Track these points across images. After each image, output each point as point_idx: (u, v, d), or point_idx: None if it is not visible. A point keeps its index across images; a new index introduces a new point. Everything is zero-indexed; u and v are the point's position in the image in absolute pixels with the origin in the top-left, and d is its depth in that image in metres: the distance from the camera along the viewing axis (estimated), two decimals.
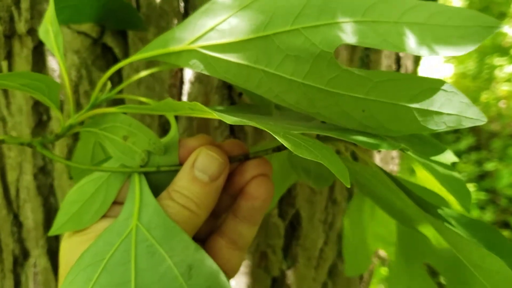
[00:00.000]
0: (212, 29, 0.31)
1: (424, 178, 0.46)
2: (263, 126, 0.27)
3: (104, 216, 0.35)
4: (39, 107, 0.58)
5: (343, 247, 0.48)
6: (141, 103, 0.39)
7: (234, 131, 0.56)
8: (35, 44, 0.55)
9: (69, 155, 0.56)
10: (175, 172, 0.35)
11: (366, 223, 0.47)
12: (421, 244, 0.38)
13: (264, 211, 0.37)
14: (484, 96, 3.06)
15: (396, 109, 0.29)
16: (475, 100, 2.99)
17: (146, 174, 0.35)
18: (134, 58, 0.35)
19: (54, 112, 0.38)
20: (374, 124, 0.30)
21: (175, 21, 0.51)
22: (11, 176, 0.65)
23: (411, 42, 0.26)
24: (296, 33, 0.28)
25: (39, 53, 0.56)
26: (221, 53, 0.31)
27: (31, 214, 0.64)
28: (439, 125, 0.28)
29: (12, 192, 0.66)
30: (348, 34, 0.27)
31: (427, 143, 0.34)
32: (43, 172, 0.61)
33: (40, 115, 0.58)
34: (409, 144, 0.32)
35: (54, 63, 0.55)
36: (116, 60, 0.52)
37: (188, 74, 0.52)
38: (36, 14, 0.54)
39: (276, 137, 0.26)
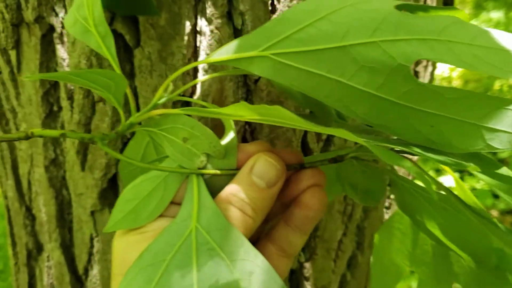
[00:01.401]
0: (287, 37, 0.31)
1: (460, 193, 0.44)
2: (360, 141, 0.27)
3: (160, 215, 0.35)
4: (49, 97, 0.56)
5: (372, 262, 0.46)
6: (201, 106, 0.39)
7: (246, 131, 0.54)
8: (43, 32, 0.53)
9: (79, 146, 0.55)
10: (231, 176, 0.36)
11: (399, 240, 0.45)
12: (456, 265, 0.38)
13: (316, 221, 0.38)
14: (498, 84, 3.00)
15: (465, 126, 0.30)
16: (488, 88, 2.94)
17: (203, 176, 0.35)
18: (202, 62, 0.36)
19: (119, 112, 0.38)
20: (441, 140, 0.30)
21: (188, 6, 0.49)
22: (22, 169, 0.64)
23: (484, 64, 0.28)
24: (374, 46, 0.29)
25: (47, 41, 0.54)
26: (294, 61, 0.31)
27: (43, 207, 0.63)
28: (504, 145, 0.29)
29: (24, 184, 0.65)
30: (426, 50, 0.28)
31: (483, 159, 0.34)
32: (54, 164, 0.60)
33: (50, 106, 0.56)
34: (466, 160, 0.31)
35: (63, 52, 0.53)
36: (127, 47, 0.50)
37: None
38: (44, 1, 0.52)
39: (373, 150, 0.27)
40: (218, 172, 0.36)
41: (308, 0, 0.31)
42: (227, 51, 0.34)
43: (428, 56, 0.28)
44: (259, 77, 0.52)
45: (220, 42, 0.50)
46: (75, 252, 0.63)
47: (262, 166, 0.35)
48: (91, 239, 0.60)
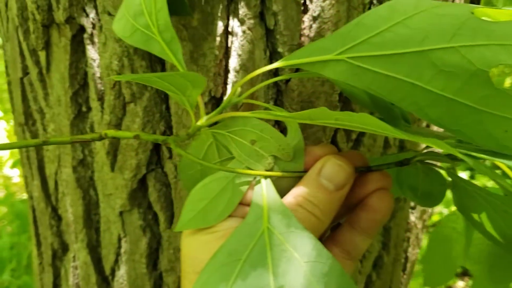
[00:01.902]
0: (363, 41, 0.32)
1: None
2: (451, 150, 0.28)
3: (229, 216, 0.36)
4: (78, 98, 0.56)
5: (424, 258, 0.46)
6: (265, 108, 0.40)
7: (279, 122, 0.54)
8: (74, 33, 0.53)
9: (110, 147, 0.55)
10: (298, 178, 0.36)
11: (453, 239, 0.45)
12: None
13: (382, 224, 0.38)
14: (508, 82, 2.99)
15: None
16: (499, 84, 2.92)
17: (270, 177, 0.36)
18: (275, 65, 0.36)
19: (190, 114, 0.39)
20: None
21: (220, 7, 0.49)
22: (49, 169, 0.64)
23: None
24: (453, 51, 0.29)
25: (77, 42, 0.54)
26: (371, 65, 0.32)
27: (70, 207, 0.63)
28: None
29: (51, 185, 0.65)
30: (505, 55, 0.28)
31: None
32: (82, 164, 0.60)
33: (79, 106, 0.56)
34: None
35: (93, 53, 0.53)
36: None
37: (233, 63, 0.50)
38: (74, 2, 0.52)
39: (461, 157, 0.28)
40: (286, 174, 0.36)
41: (383, 6, 0.31)
42: (301, 55, 0.34)
43: (508, 61, 0.28)
44: (290, 78, 0.52)
45: (252, 43, 0.50)
46: (102, 252, 0.64)
47: (331, 169, 0.35)
48: (119, 239, 0.60)
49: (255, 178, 0.36)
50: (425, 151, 0.42)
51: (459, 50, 0.29)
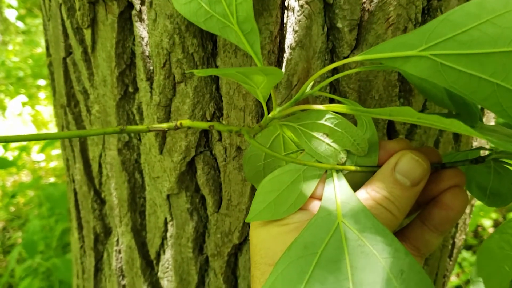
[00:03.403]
0: (449, 39, 0.31)
1: None
2: None
3: (299, 209, 0.35)
4: (124, 78, 0.54)
5: (478, 265, 0.44)
6: (338, 102, 0.40)
7: (334, 101, 0.52)
8: (121, 9, 0.51)
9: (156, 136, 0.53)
10: (370, 172, 0.36)
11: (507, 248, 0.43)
12: None
13: (456, 221, 0.37)
14: None
15: None
16: None
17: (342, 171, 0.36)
18: (355, 58, 0.35)
19: (263, 106, 0.38)
20: None
21: None
22: (92, 152, 0.63)
23: None
24: None
25: (125, 19, 0.52)
26: (455, 63, 0.31)
27: (114, 191, 0.62)
28: None
29: (94, 168, 0.64)
30: None
31: None
32: (128, 147, 0.59)
33: (126, 87, 0.55)
34: None
35: (142, 30, 0.51)
36: None
37: (289, 40, 0.48)
38: None
39: None
40: (360, 169, 0.36)
41: (471, 3, 0.30)
42: (382, 49, 0.34)
43: None
44: (348, 55, 0.49)
45: (309, 18, 0.47)
46: (146, 236, 0.62)
47: (407, 164, 0.34)
48: (165, 223, 0.59)
49: (326, 171, 0.36)
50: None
51: None
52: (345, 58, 0.49)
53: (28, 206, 2.38)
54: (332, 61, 0.50)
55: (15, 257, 1.90)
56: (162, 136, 0.53)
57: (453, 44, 0.31)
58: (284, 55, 0.49)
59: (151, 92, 0.52)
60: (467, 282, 1.84)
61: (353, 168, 0.35)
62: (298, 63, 0.49)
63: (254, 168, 0.42)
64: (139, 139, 0.57)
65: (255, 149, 0.43)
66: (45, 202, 1.85)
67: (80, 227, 0.71)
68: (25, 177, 2.58)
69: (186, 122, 0.34)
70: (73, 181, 0.68)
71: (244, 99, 0.50)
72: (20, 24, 4.23)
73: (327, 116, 0.36)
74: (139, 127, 0.31)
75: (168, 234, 0.60)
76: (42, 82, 3.45)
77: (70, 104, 0.63)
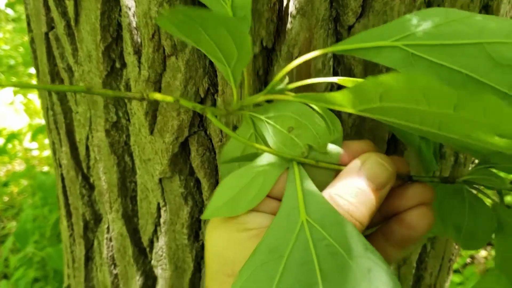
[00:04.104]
0: (421, 31, 0.31)
1: None
2: None
3: (261, 212, 0.34)
4: (110, 53, 0.50)
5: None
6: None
7: (338, 73, 0.48)
8: None
9: (148, 107, 0.49)
10: (332, 173, 0.35)
11: None
12: None
13: (418, 241, 0.35)
14: None
15: None
16: None
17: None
18: (328, 50, 0.35)
19: (233, 90, 0.37)
20: None
21: None
22: (79, 134, 0.59)
23: None
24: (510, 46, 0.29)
25: None
26: (427, 54, 0.31)
27: (103, 175, 0.58)
28: None
29: (81, 151, 0.60)
30: None
31: None
32: (116, 127, 0.55)
33: (112, 62, 0.51)
34: None
35: (129, 0, 0.47)
36: None
37: (290, 7, 0.44)
38: None
39: None
40: (321, 164, 0.34)
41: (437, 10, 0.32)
42: (355, 39, 0.34)
43: None
44: (354, 23, 0.45)
45: None
46: (138, 223, 0.59)
47: (372, 167, 0.32)
48: (158, 208, 0.55)
49: (288, 169, 0.34)
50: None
51: None
52: (350, 27, 0.45)
53: (22, 196, 2.35)
54: (336, 31, 0.46)
55: (9, 246, 1.87)
56: (152, 114, 0.49)
57: (424, 35, 0.31)
58: (284, 24, 0.45)
59: (139, 66, 0.48)
60: (464, 265, 1.83)
61: (314, 162, 0.34)
62: (299, 33, 0.45)
63: (228, 165, 0.40)
64: (128, 119, 0.53)
65: (231, 148, 0.40)
66: (37, 192, 1.82)
67: (68, 215, 0.67)
68: (18, 166, 2.54)
69: (151, 94, 0.32)
70: (60, 166, 0.65)
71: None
72: (10, 11, 4.14)
73: (295, 107, 0.35)
74: (106, 91, 0.28)
75: (162, 220, 0.56)
76: (33, 70, 3.38)
77: (55, 83, 0.59)
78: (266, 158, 0.35)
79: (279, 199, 0.33)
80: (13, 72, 3.43)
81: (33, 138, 2.10)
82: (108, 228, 0.62)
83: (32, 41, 0.61)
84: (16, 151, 2.46)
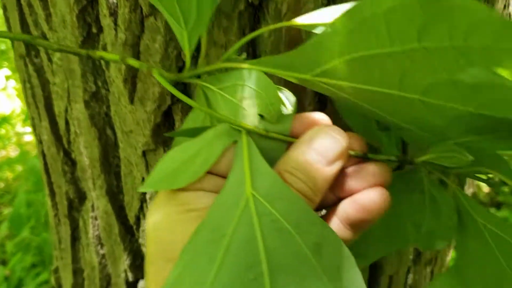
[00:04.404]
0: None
1: None
2: None
3: (202, 191, 0.31)
4: (86, 16, 0.47)
5: None
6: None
7: None
8: None
9: (127, 73, 0.46)
10: (283, 146, 0.33)
11: None
12: None
13: (373, 223, 0.32)
14: None
15: None
16: None
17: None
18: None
19: (186, 56, 0.36)
20: None
21: None
22: (58, 107, 0.56)
23: None
24: None
25: None
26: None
27: (84, 150, 0.55)
28: None
29: (61, 125, 0.57)
30: None
31: None
32: (96, 98, 0.51)
33: (88, 27, 0.47)
34: None
35: None
36: None
37: None
38: None
39: None
40: (274, 135, 0.32)
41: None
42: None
43: None
44: None
45: None
46: (124, 199, 0.56)
47: (323, 140, 0.30)
48: None
49: (235, 142, 0.32)
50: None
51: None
52: None
53: (18, 181, 2.33)
54: None
55: (5, 232, 1.86)
56: (131, 81, 0.46)
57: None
58: None
59: (115, 29, 0.44)
60: None
61: (263, 132, 0.32)
62: None
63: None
64: (107, 89, 0.50)
65: (191, 119, 0.38)
66: (30, 176, 1.79)
67: (52, 193, 0.64)
68: (13, 152, 2.51)
69: (95, 53, 0.30)
70: (41, 142, 0.61)
71: (225, 33, 0.43)
72: None
73: (248, 75, 0.33)
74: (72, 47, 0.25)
75: (148, 196, 0.53)
76: None
77: (30, 54, 0.55)
78: (213, 131, 0.32)
79: (225, 177, 0.31)
80: (4, 57, 3.38)
81: (25, 122, 2.07)
82: (92, 206, 0.59)
83: (4, 9, 0.57)
84: (10, 136, 2.43)
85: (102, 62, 0.49)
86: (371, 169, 0.32)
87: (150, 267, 0.30)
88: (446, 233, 0.37)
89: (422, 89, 0.25)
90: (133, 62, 0.32)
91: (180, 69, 0.45)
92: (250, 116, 0.32)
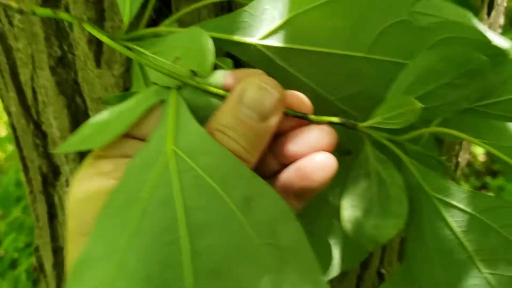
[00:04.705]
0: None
1: None
2: None
3: (125, 157, 0.28)
4: None
5: None
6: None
7: None
8: None
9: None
10: (218, 104, 0.30)
11: None
12: None
13: (320, 190, 0.29)
14: None
15: None
16: None
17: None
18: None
19: (123, 18, 0.34)
20: None
21: None
22: (24, 75, 0.52)
23: None
24: None
25: None
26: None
27: (54, 120, 0.51)
28: None
29: (28, 94, 0.53)
30: None
31: None
32: (62, 64, 0.47)
33: None
34: None
35: None
36: None
37: None
38: None
39: None
40: (204, 87, 0.29)
41: None
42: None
43: None
44: None
45: None
46: None
47: (254, 93, 0.27)
48: None
49: (163, 101, 0.29)
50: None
51: None
52: None
53: (10, 161, 2.30)
54: None
55: None
56: (96, 42, 0.42)
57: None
58: None
59: None
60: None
61: (194, 83, 0.29)
62: None
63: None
64: (73, 53, 0.46)
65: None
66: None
67: (25, 169, 0.61)
68: (4, 131, 2.48)
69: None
70: (10, 114, 0.58)
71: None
72: None
73: (187, 36, 0.31)
74: None
75: None
76: None
77: None
78: (142, 93, 0.30)
79: None
80: None
81: None
82: (67, 181, 0.56)
83: None
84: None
85: (66, 23, 0.45)
86: (314, 133, 0.29)
87: (69, 244, 0.27)
88: (394, 224, 0.31)
89: (370, 43, 0.24)
90: (64, 15, 0.29)
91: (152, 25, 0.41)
92: (182, 73, 0.30)
